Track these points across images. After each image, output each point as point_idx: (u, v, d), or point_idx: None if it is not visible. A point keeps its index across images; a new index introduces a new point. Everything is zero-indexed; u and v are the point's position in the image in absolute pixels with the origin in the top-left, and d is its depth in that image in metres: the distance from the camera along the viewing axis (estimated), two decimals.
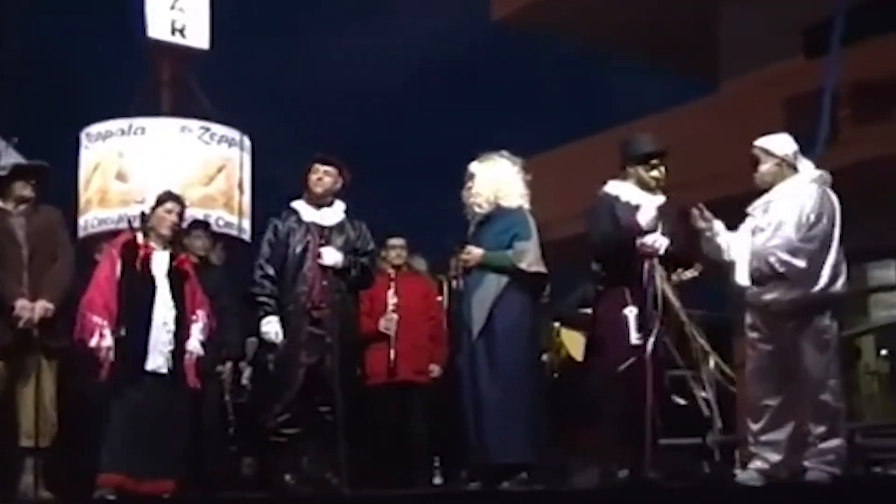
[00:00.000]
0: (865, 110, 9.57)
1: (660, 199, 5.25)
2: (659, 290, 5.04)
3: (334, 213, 5.67)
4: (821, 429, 4.62)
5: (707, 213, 4.97)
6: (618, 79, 13.99)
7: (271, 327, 5.44)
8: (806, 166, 4.95)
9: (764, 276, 4.72)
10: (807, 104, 8.47)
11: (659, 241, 5.11)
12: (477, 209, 5.48)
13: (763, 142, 5.01)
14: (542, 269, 5.41)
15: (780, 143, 4.99)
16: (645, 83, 13.92)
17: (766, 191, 4.92)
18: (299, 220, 5.60)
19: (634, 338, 4.95)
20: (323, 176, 5.64)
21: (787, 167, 4.91)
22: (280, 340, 5.42)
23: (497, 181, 5.49)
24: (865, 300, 10.77)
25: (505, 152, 5.63)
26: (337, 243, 5.57)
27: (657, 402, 4.94)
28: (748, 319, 4.89)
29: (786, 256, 4.66)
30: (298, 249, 5.53)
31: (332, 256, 5.50)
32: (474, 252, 5.39)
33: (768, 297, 4.76)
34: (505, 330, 5.23)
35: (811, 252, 4.66)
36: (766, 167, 4.94)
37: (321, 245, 5.53)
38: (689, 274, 6.54)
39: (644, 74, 14.19)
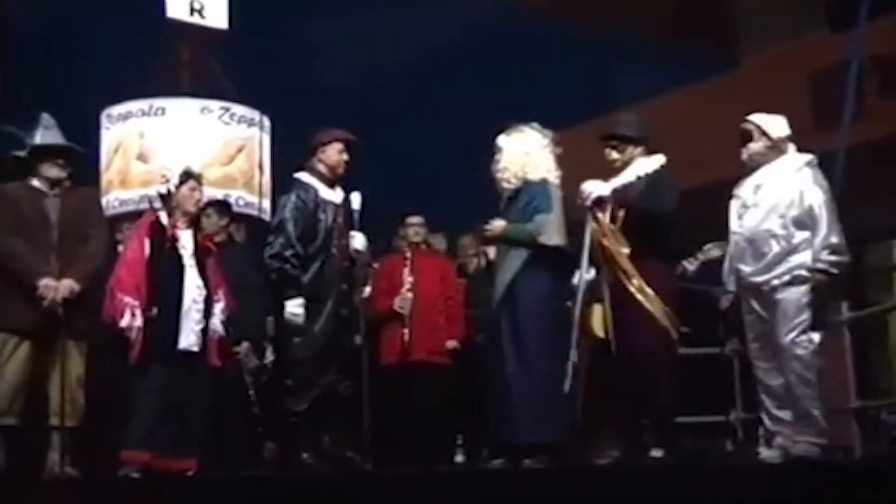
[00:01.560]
0: (892, 84, 9.47)
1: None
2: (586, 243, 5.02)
3: (341, 193, 5.61)
4: (798, 403, 4.67)
5: None
6: (634, 58, 13.86)
7: (300, 310, 5.36)
8: (792, 149, 4.90)
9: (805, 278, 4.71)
10: (832, 79, 8.37)
11: (588, 189, 5.07)
12: (505, 185, 5.42)
13: (759, 119, 4.97)
14: (561, 242, 5.34)
15: (777, 125, 4.96)
16: (661, 62, 13.80)
17: (752, 171, 4.91)
18: (321, 197, 5.54)
19: None
20: (346, 156, 5.59)
21: (777, 151, 4.88)
22: (303, 323, 5.35)
23: (524, 155, 5.42)
24: (891, 276, 10.68)
25: (535, 124, 5.55)
26: (364, 227, 5.55)
27: (671, 378, 4.93)
28: (744, 301, 4.90)
29: (834, 257, 4.68)
30: (327, 226, 5.47)
31: (361, 241, 5.49)
32: (495, 224, 5.35)
33: (758, 278, 4.78)
34: (527, 307, 5.18)
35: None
36: (756, 146, 4.91)
37: (349, 227, 5.49)
38: (715, 252, 6.49)
39: (661, 53, 14.07)
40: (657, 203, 5.08)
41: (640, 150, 5.26)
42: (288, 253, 5.40)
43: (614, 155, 5.27)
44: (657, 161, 5.24)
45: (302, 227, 5.44)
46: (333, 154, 5.58)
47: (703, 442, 6.75)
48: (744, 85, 11.08)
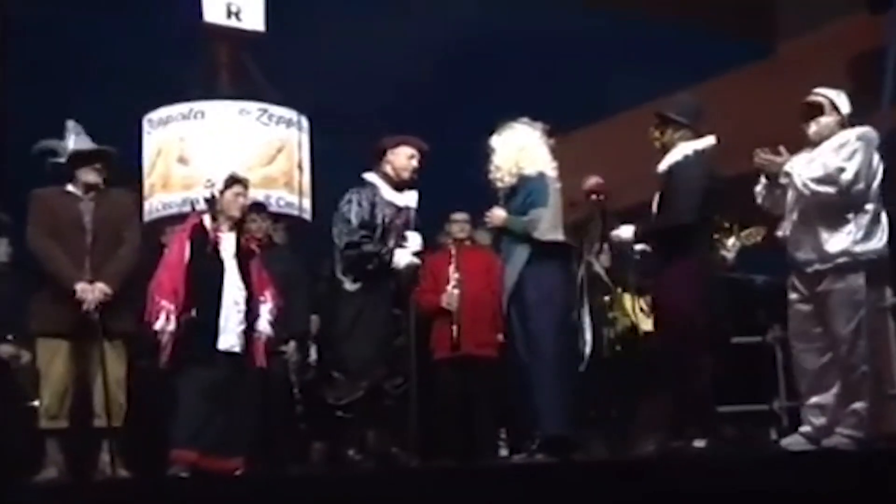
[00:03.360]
0: None
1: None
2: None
3: (410, 197, 5.67)
4: (846, 392, 4.60)
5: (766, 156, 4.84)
6: (669, 45, 13.75)
7: (405, 257, 5.43)
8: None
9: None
10: (871, 63, 8.28)
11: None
12: (499, 184, 5.48)
13: (832, 94, 4.84)
14: (557, 237, 5.38)
15: (845, 101, 4.87)
16: (697, 48, 13.68)
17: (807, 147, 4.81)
18: (380, 197, 5.58)
19: None
20: (416, 163, 5.62)
21: (842, 127, 4.79)
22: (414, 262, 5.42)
23: (516, 150, 5.48)
24: None
25: (525, 118, 5.60)
26: (420, 228, 5.62)
27: (708, 365, 4.93)
28: (789, 281, 4.83)
29: (815, 186, 4.60)
30: (385, 226, 5.53)
31: (416, 241, 5.55)
32: (495, 213, 5.41)
33: (803, 256, 4.71)
34: (535, 301, 5.26)
35: (844, 186, 4.58)
36: (827, 120, 4.77)
37: (405, 227, 5.56)
38: (753, 238, 6.46)
39: (696, 39, 13.97)
40: (677, 194, 5.06)
41: (681, 133, 5.19)
42: (356, 237, 5.45)
43: (656, 134, 5.24)
44: (694, 146, 5.15)
45: (362, 222, 5.50)
46: (402, 158, 5.62)
47: (746, 431, 6.72)
48: (781, 69, 10.99)
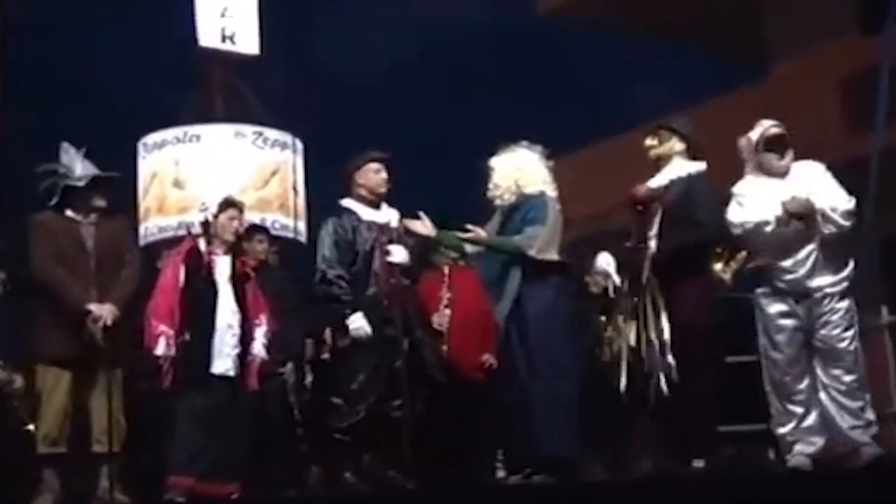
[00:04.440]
0: None
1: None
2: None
3: (388, 212, 5.68)
4: (858, 404, 4.78)
5: None
6: (661, 68, 13.85)
7: (361, 323, 5.35)
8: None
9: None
10: (864, 84, 8.32)
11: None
12: (499, 202, 5.52)
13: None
14: (552, 257, 5.40)
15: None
16: (689, 71, 13.78)
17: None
18: (359, 220, 5.59)
19: None
20: (384, 175, 5.63)
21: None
22: (368, 335, 5.34)
23: (516, 169, 5.53)
24: None
25: (524, 142, 5.65)
26: (407, 242, 5.59)
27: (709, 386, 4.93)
28: (779, 307, 4.89)
29: (844, 220, 4.81)
30: (366, 249, 5.51)
31: (400, 254, 5.52)
32: (476, 231, 5.44)
33: (821, 281, 4.81)
34: (534, 321, 5.28)
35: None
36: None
37: (388, 243, 5.55)
38: (743, 261, 6.47)
39: (688, 62, 14.05)
40: (690, 210, 5.05)
41: (680, 147, 5.21)
42: (331, 274, 5.44)
43: (653, 142, 5.24)
44: (695, 167, 5.18)
45: (342, 249, 5.49)
46: (371, 175, 5.63)
47: (744, 451, 6.70)
48: (774, 91, 11.03)
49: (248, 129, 12.32)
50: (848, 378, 4.79)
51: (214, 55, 12.58)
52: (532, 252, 5.34)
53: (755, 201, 4.90)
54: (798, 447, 4.82)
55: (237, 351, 5.36)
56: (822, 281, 4.84)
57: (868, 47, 9.22)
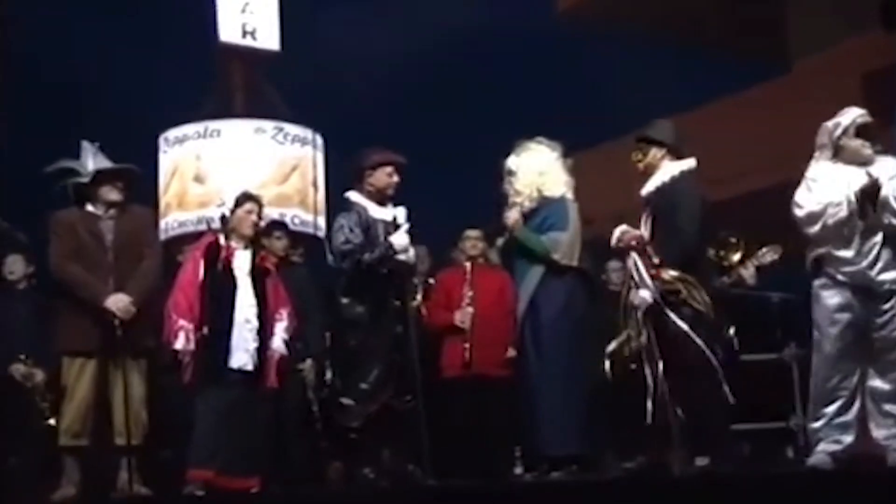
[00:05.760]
0: None
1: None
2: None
3: (398, 211, 5.68)
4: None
5: None
6: (682, 65, 13.73)
7: (404, 239, 5.40)
8: None
9: None
10: (886, 79, 8.28)
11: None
12: (519, 208, 5.50)
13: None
14: (573, 263, 5.40)
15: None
16: (711, 68, 13.67)
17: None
18: (371, 217, 5.60)
19: None
20: (395, 174, 5.65)
21: None
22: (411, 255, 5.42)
23: (537, 175, 5.51)
24: None
25: (542, 138, 5.61)
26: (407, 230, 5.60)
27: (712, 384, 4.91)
28: (837, 300, 4.79)
29: None
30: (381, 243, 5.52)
31: (401, 239, 5.52)
32: (513, 214, 5.42)
33: (885, 276, 4.72)
34: (548, 321, 5.29)
35: None
36: None
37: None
38: (769, 256, 6.46)
39: (710, 59, 13.96)
40: (675, 212, 5.05)
41: (663, 153, 5.21)
42: (356, 242, 5.43)
43: (638, 156, 5.27)
44: (679, 166, 5.19)
45: (357, 240, 5.51)
46: (382, 177, 5.64)
47: (763, 449, 6.69)
48: (797, 88, 10.99)
49: (269, 125, 12.35)
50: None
51: (235, 51, 12.62)
52: (556, 256, 5.36)
53: (827, 185, 4.81)
54: (822, 445, 4.77)
55: (256, 345, 5.38)
56: (886, 276, 4.72)
57: (891, 44, 9.17)
